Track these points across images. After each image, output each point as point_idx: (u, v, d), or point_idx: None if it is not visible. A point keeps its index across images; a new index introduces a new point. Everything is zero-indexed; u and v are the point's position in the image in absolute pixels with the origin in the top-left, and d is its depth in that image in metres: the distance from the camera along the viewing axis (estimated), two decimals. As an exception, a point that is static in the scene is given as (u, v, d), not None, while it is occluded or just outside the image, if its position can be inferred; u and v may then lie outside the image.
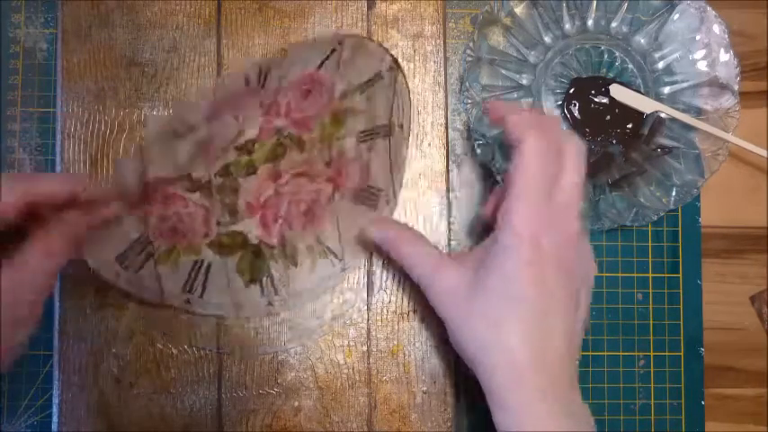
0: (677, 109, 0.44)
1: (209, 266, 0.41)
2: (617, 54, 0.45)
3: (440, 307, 0.35)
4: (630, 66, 0.45)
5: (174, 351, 0.41)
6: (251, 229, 0.41)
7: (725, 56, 0.44)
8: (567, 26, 0.45)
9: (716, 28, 0.44)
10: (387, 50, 0.42)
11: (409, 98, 0.42)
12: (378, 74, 0.42)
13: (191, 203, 0.41)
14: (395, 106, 0.42)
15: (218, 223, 0.41)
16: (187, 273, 0.41)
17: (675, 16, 0.44)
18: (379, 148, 0.42)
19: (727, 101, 0.44)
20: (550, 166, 0.33)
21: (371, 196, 0.42)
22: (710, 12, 0.43)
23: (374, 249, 0.41)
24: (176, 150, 0.41)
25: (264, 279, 0.41)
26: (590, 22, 0.45)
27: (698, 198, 0.46)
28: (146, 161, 0.41)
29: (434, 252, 0.37)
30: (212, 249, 0.41)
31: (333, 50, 0.42)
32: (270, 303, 0.41)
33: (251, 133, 0.42)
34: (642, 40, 0.45)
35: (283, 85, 0.42)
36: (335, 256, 0.41)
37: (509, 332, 0.32)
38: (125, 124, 0.41)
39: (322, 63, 0.42)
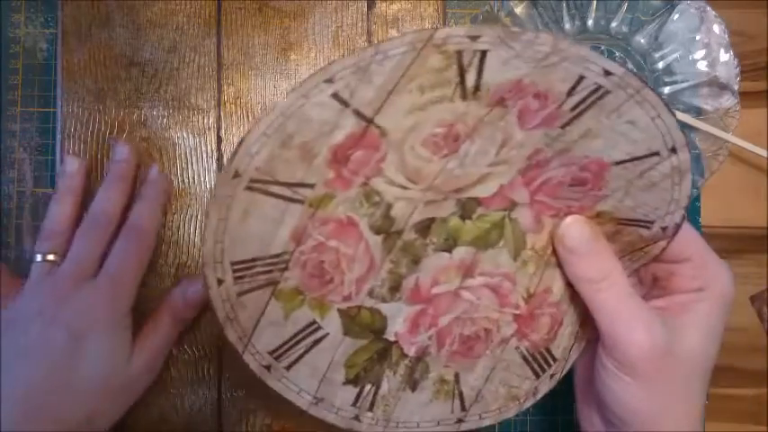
0: (677, 109, 0.44)
1: (321, 338, 0.32)
2: (617, 54, 0.45)
3: (635, 361, 0.30)
4: (630, 66, 0.45)
5: (174, 351, 0.40)
6: (397, 319, 0.32)
7: (725, 56, 0.44)
8: (567, 26, 0.45)
9: (716, 28, 0.44)
10: (685, 208, 0.31)
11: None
12: (646, 223, 0.31)
13: (362, 247, 0.30)
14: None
15: (371, 293, 0.31)
16: (295, 331, 0.31)
17: (675, 16, 0.44)
18: (578, 302, 0.32)
19: (727, 101, 0.44)
20: None
21: (542, 363, 0.33)
22: (710, 12, 0.43)
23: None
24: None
25: (369, 386, 0.32)
26: (590, 22, 0.45)
27: (698, 198, 0.46)
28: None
29: (635, 293, 0.32)
30: (341, 319, 0.32)
31: (654, 154, 0.30)
32: (356, 417, 0.32)
33: (488, 189, 0.30)
34: (642, 40, 0.45)
35: (575, 149, 0.30)
36: (462, 404, 0.33)
37: (696, 404, 0.33)
38: (125, 124, 0.41)
39: (627, 162, 0.30)
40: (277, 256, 0.29)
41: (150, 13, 0.42)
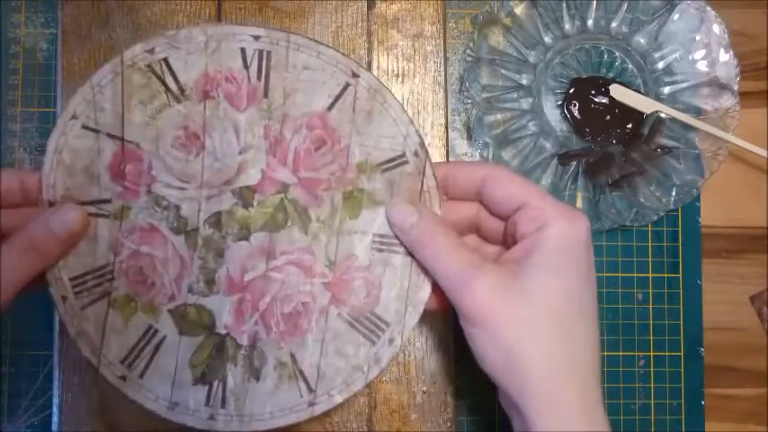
0: (677, 109, 0.44)
1: (161, 341, 0.33)
2: (617, 54, 0.45)
3: (479, 306, 0.31)
4: (630, 66, 0.45)
5: None
6: (223, 311, 0.34)
7: (725, 56, 0.44)
8: (567, 26, 0.45)
9: (716, 28, 0.44)
10: (411, 121, 0.35)
11: (440, 201, 0.35)
12: (402, 155, 0.35)
13: (170, 248, 0.34)
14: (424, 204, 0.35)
15: (190, 289, 0.34)
16: (137, 338, 0.33)
17: (675, 16, 0.44)
18: (396, 264, 0.35)
19: (727, 101, 0.44)
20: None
21: (373, 328, 0.34)
22: (710, 12, 0.43)
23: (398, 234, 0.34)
24: (167, 133, 0.34)
25: (216, 384, 0.34)
26: (590, 22, 0.45)
27: (698, 198, 0.46)
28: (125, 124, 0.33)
29: (468, 248, 0.33)
30: (173, 319, 0.34)
31: (346, 85, 0.35)
32: (212, 417, 0.33)
33: (253, 176, 0.34)
34: (642, 40, 0.45)
35: (290, 110, 0.35)
36: (307, 385, 0.34)
37: (550, 341, 0.31)
38: (125, 124, 0.41)
39: (334, 102, 0.35)
40: (102, 267, 0.33)
41: (150, 13, 0.42)
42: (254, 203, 0.34)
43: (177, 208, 0.34)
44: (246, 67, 0.34)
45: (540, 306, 0.31)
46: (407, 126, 0.35)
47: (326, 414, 0.41)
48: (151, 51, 0.33)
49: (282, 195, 0.34)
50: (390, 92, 0.35)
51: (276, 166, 0.34)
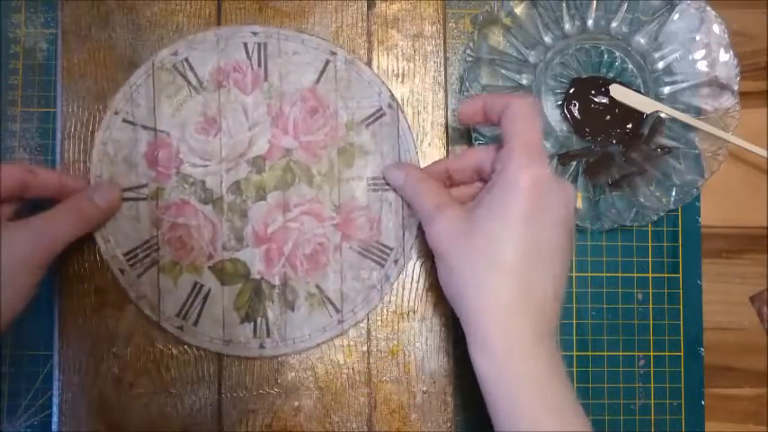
0: (677, 109, 0.44)
1: (207, 293, 0.40)
2: (617, 54, 0.45)
3: (437, 242, 0.36)
4: (630, 66, 0.45)
5: (174, 351, 0.41)
6: (254, 261, 0.41)
7: (725, 56, 0.44)
8: (567, 26, 0.45)
9: (716, 28, 0.44)
10: (382, 82, 0.42)
11: (414, 143, 0.42)
12: (379, 110, 0.42)
13: (201, 216, 0.41)
14: (402, 151, 0.42)
15: (224, 247, 0.41)
16: (186, 294, 0.40)
17: (675, 16, 0.44)
18: (390, 199, 0.42)
19: (727, 101, 0.44)
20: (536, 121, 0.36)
21: (380, 254, 0.41)
22: (710, 12, 0.43)
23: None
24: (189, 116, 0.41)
25: (259, 319, 0.41)
26: (590, 22, 0.45)
27: (698, 198, 0.46)
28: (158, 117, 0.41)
29: (440, 189, 0.38)
30: (214, 274, 0.41)
31: (327, 62, 0.42)
32: (262, 346, 0.41)
33: (262, 146, 0.41)
34: (642, 40, 0.45)
35: (286, 88, 0.42)
36: (335, 307, 0.41)
37: (503, 273, 0.33)
38: (125, 124, 0.41)
39: (319, 77, 0.42)
40: (148, 241, 0.40)
41: (150, 13, 0.42)
42: (266, 169, 0.41)
43: (203, 183, 0.41)
44: (249, 57, 0.42)
45: (480, 243, 0.34)
46: (380, 85, 0.42)
47: (326, 414, 0.41)
48: (175, 54, 0.41)
49: (288, 158, 0.41)
50: (361, 62, 0.42)
51: (280, 135, 0.41)
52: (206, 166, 0.41)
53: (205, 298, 0.40)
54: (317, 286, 0.41)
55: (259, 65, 0.41)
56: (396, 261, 0.41)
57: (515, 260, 0.33)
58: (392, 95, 0.42)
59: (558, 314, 0.34)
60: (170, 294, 0.40)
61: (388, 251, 0.41)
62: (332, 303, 0.41)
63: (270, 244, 0.41)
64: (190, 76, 0.41)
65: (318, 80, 0.42)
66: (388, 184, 0.41)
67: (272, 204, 0.41)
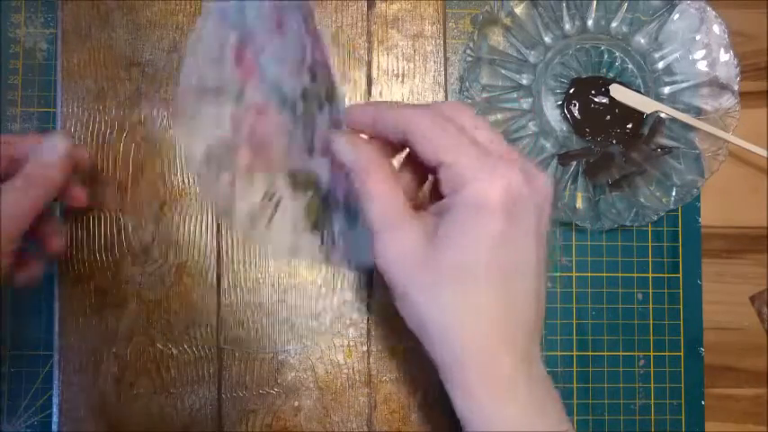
0: (677, 109, 0.44)
1: (279, 201, 0.39)
2: (617, 54, 0.45)
3: (391, 273, 0.30)
4: (630, 66, 0.45)
5: (174, 351, 0.41)
6: (323, 171, 0.38)
7: (725, 56, 0.44)
8: (567, 26, 0.45)
9: (716, 28, 0.44)
10: None
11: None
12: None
13: (278, 122, 0.38)
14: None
15: (299, 156, 0.39)
16: (259, 199, 0.39)
17: (675, 16, 0.44)
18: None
19: (727, 101, 0.44)
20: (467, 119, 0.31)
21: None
22: (710, 12, 0.43)
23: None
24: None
25: (326, 229, 0.40)
26: (590, 22, 0.45)
27: (698, 198, 0.46)
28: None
29: (398, 201, 0.31)
30: (286, 181, 0.39)
31: None
32: (328, 252, 0.40)
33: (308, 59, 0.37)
34: (642, 40, 0.45)
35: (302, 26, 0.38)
36: None
37: (481, 313, 0.29)
38: (125, 124, 0.41)
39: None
40: (226, 140, 0.38)
41: (150, 13, 0.42)
42: (318, 78, 0.37)
43: (280, 88, 0.38)
44: None
45: (448, 279, 0.29)
46: (308, 42, 0.36)
47: (326, 414, 0.41)
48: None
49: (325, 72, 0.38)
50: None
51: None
52: (281, 71, 0.37)
53: (277, 205, 0.39)
54: None
55: None
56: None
57: (494, 295, 0.29)
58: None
59: (542, 326, 0.31)
60: (246, 193, 0.39)
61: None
62: None
63: (331, 157, 0.38)
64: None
65: None
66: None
67: (326, 117, 0.38)
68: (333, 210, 0.39)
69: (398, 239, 0.30)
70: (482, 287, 0.29)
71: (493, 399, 0.29)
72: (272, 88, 0.38)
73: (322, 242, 0.40)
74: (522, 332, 0.30)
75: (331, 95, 0.38)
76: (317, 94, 0.38)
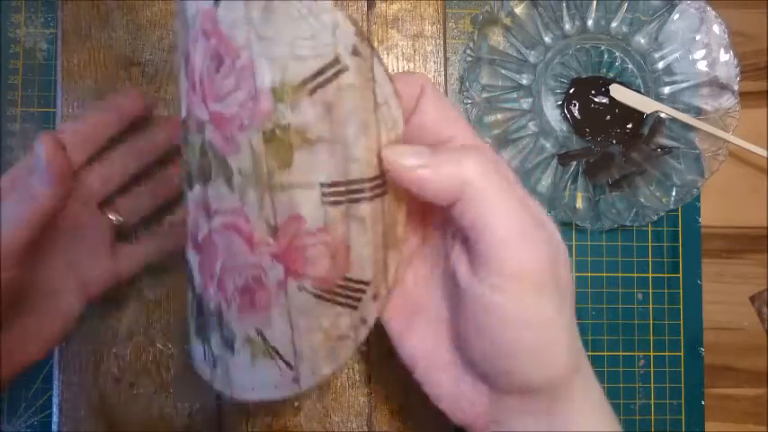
0: (677, 109, 0.44)
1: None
2: (617, 54, 0.45)
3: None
4: (630, 66, 0.45)
5: (174, 351, 0.40)
6: (195, 267, 0.28)
7: (725, 56, 0.44)
8: (567, 26, 0.45)
9: (716, 28, 0.44)
10: (341, 11, 0.24)
11: (399, 107, 0.26)
12: (335, 60, 0.24)
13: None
14: (383, 127, 0.25)
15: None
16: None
17: (675, 16, 0.44)
18: (362, 214, 0.26)
19: (727, 101, 0.44)
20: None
21: (350, 293, 0.27)
22: (710, 12, 0.43)
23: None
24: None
25: (205, 344, 0.29)
26: (590, 22, 0.45)
27: (698, 198, 0.46)
28: None
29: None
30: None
31: None
32: (211, 375, 0.29)
33: (182, 110, 0.28)
34: (642, 40, 0.45)
35: (187, 10, 0.26)
36: (286, 363, 0.27)
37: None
38: (125, 124, 0.41)
39: None
40: None
41: (150, 13, 0.42)
42: (189, 140, 0.27)
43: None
44: None
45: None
46: (332, 12, 0.23)
47: (326, 414, 0.41)
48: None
49: (203, 136, 0.26)
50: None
51: (192, 95, 0.26)
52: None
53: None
54: (259, 332, 0.27)
55: None
56: (375, 296, 0.27)
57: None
58: (360, 31, 0.24)
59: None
60: None
61: (363, 288, 0.27)
62: (281, 357, 0.27)
63: (203, 254, 0.27)
64: None
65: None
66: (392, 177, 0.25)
67: (197, 199, 0.27)
68: (207, 324, 0.28)
69: (530, 240, 0.26)
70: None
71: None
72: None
73: (204, 357, 0.29)
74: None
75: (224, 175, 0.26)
76: (187, 163, 0.28)
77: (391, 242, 0.27)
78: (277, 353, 0.27)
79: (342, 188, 0.25)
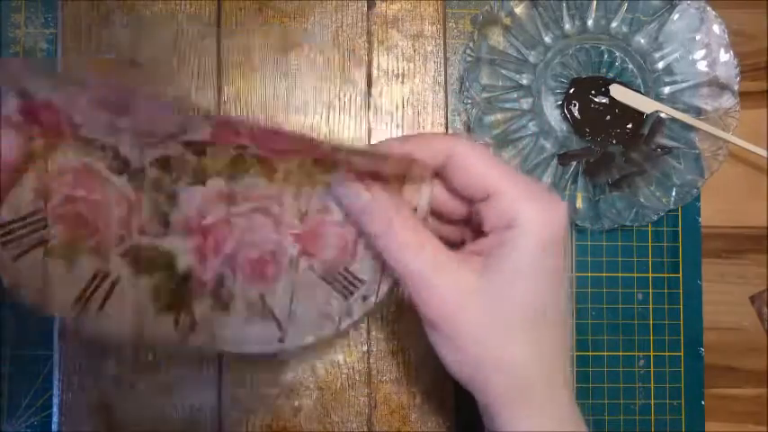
0: (677, 109, 0.44)
1: (113, 283, 0.32)
2: (617, 54, 0.45)
3: (445, 316, 0.29)
4: (630, 66, 0.45)
5: (174, 351, 0.40)
6: (181, 252, 0.32)
7: (725, 56, 0.44)
8: (567, 26, 0.45)
9: (716, 28, 0.44)
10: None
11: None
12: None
13: (110, 189, 0.31)
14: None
15: (142, 231, 0.32)
16: (84, 283, 0.31)
17: (675, 16, 0.44)
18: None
19: (727, 101, 0.44)
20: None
21: (347, 284, 0.33)
22: (710, 12, 0.43)
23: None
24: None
25: (183, 314, 0.32)
26: (590, 22, 0.45)
27: (698, 198, 0.46)
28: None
29: (435, 243, 0.30)
30: (125, 262, 0.32)
31: None
32: (183, 340, 0.32)
33: (197, 134, 0.31)
34: (642, 40, 0.45)
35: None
36: (277, 323, 0.33)
37: (551, 341, 0.29)
38: (125, 124, 0.41)
39: None
40: (31, 215, 0.30)
41: (150, 13, 0.42)
42: (208, 152, 0.32)
43: (115, 148, 0.31)
44: None
45: (507, 310, 0.28)
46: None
47: (326, 414, 0.41)
48: None
49: (239, 150, 0.32)
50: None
51: (228, 132, 0.31)
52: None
53: (111, 287, 0.31)
54: (261, 296, 0.33)
55: None
56: (364, 298, 0.32)
57: (561, 331, 0.30)
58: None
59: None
60: (64, 278, 0.31)
61: (357, 284, 0.32)
62: (275, 318, 0.33)
63: (205, 238, 0.32)
64: None
65: None
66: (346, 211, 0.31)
67: (213, 192, 0.32)
68: (193, 296, 0.32)
69: (448, 285, 0.29)
70: (550, 324, 0.29)
71: (561, 426, 0.29)
72: (100, 148, 0.31)
73: (176, 325, 0.32)
74: (553, 373, 0.30)
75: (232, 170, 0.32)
76: (194, 166, 0.32)
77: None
78: (273, 315, 0.33)
79: None
